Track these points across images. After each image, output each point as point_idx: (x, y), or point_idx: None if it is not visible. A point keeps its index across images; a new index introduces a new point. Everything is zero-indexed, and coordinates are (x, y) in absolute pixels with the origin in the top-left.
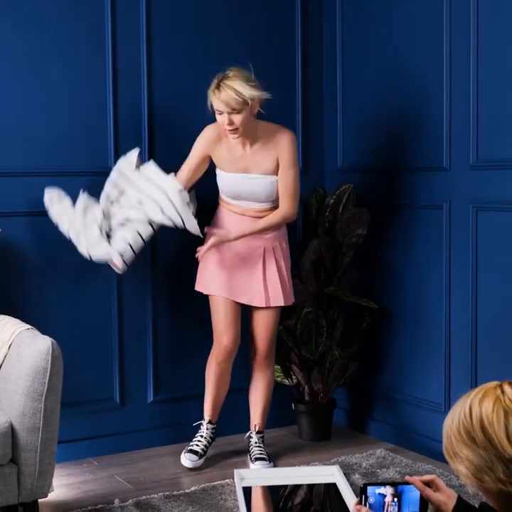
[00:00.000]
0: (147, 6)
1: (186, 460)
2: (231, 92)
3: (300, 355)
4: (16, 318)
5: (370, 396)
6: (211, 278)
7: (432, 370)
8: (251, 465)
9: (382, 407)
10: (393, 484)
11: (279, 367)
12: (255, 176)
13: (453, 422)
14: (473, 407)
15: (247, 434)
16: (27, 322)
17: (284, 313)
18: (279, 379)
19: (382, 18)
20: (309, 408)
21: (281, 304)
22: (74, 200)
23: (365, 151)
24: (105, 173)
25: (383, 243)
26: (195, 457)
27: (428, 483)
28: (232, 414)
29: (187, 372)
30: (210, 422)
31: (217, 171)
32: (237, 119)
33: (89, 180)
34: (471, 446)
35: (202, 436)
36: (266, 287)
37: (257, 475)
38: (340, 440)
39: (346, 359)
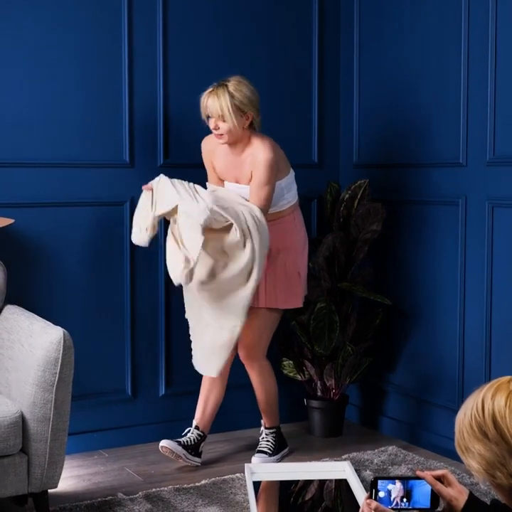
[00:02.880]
0: (164, 3)
1: (164, 441)
2: (224, 99)
3: (313, 351)
4: (27, 308)
5: (382, 392)
6: None
7: (446, 368)
8: (252, 458)
9: (394, 403)
10: (404, 479)
11: (291, 362)
12: (243, 186)
13: (465, 416)
14: (486, 401)
15: (261, 429)
16: (39, 312)
17: (297, 309)
18: (291, 374)
19: (398, 13)
20: (321, 404)
21: (263, 305)
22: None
23: (381, 146)
24: (119, 165)
25: (398, 239)
26: (174, 443)
27: (439, 478)
28: (244, 409)
29: None
30: (196, 427)
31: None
32: (224, 126)
33: (104, 171)
34: (483, 441)
35: (185, 436)
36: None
37: (268, 470)
38: (351, 436)
39: (359, 355)
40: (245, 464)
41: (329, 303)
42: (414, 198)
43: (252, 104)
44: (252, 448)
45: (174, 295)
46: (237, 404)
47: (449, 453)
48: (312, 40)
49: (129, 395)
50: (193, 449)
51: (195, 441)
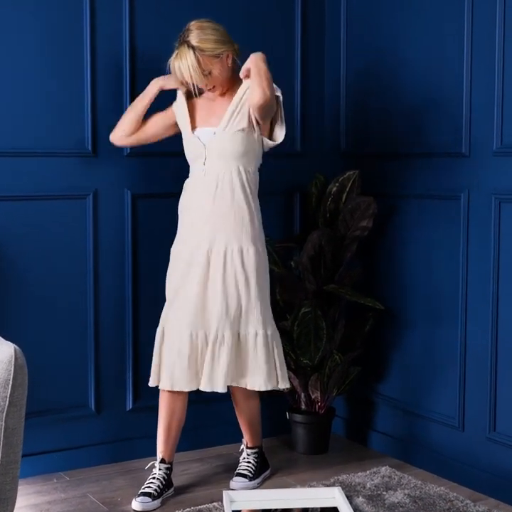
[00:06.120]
0: None
1: (137, 503)
2: (192, 62)
3: (297, 361)
4: None
5: (372, 405)
6: None
7: (445, 378)
8: (230, 482)
9: (386, 417)
10: None
11: None
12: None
13: None
14: None
15: (241, 448)
16: None
17: (279, 314)
18: None
19: None
20: (305, 418)
21: None
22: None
23: (372, 133)
24: (81, 155)
25: (391, 237)
26: (148, 499)
27: None
28: (218, 423)
29: None
30: (162, 461)
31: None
32: (210, 80)
33: (64, 161)
34: None
35: (154, 477)
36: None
37: (249, 497)
38: (339, 453)
39: (347, 364)
40: (223, 491)
41: (315, 307)
42: (410, 192)
43: (224, 43)
44: (229, 468)
45: (142, 300)
46: (210, 419)
47: (447, 474)
48: (295, 14)
49: (93, 410)
50: (165, 486)
51: (165, 478)
